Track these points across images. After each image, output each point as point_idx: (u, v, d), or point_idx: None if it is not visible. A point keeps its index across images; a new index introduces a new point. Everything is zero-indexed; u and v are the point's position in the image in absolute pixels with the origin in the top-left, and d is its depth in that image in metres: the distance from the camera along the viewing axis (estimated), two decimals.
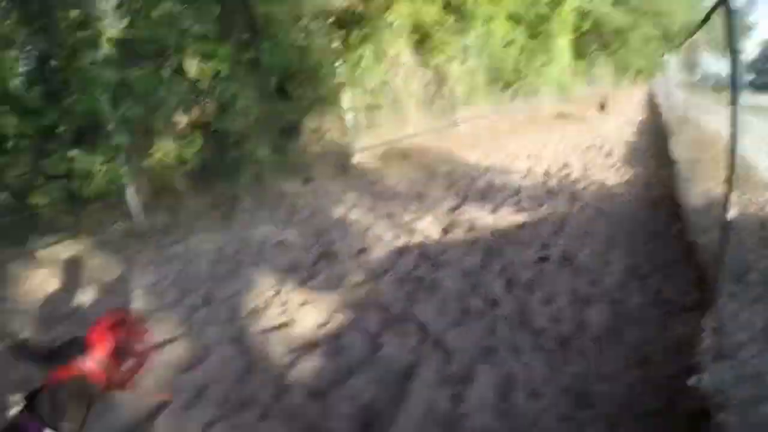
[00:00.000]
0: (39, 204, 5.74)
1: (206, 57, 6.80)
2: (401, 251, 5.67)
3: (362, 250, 5.73)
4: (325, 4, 8.92)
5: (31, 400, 2.20)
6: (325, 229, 6.47)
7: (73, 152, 5.74)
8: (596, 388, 3.25)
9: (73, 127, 5.83)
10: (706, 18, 5.29)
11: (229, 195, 7.11)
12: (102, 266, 5.53)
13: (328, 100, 8.65)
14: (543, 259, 5.39)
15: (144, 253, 5.82)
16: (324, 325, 4.18)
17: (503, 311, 4.29)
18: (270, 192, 7.51)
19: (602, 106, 23.07)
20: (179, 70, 6.83)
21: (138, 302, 4.79)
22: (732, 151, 3.44)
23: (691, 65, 8.15)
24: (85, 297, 4.90)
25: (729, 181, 3.48)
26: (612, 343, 3.81)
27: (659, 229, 6.44)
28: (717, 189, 4.46)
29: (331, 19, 8.96)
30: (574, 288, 4.71)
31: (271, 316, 4.33)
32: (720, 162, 4.18)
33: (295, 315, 4.32)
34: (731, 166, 3.44)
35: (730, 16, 3.40)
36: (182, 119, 6.98)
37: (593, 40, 33.15)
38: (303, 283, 4.96)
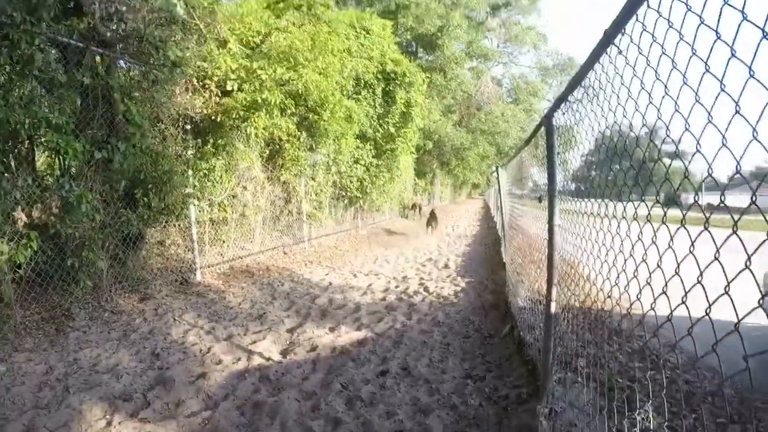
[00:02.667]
0: None
1: (57, 151, 6.44)
2: (241, 374, 5.59)
3: (201, 375, 5.52)
4: (186, 109, 9.10)
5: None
6: (161, 351, 6.16)
7: None
8: None
9: None
10: (531, 136, 6.13)
11: (63, 308, 6.70)
12: None
13: (175, 211, 8.56)
14: (383, 374, 5.78)
15: None
16: None
17: (346, 430, 4.45)
18: (106, 307, 7.22)
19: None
20: (26, 161, 6.56)
21: None
22: (550, 251, 4.14)
23: (518, 179, 9.07)
24: None
25: (549, 279, 4.14)
26: None
27: (492, 331, 7.31)
28: (540, 288, 5.15)
29: (188, 126, 9.09)
30: (415, 398, 5.13)
31: None
32: (542, 263, 4.87)
33: None
34: (550, 265, 4.13)
35: (549, 134, 4.11)
36: (21, 216, 6.32)
37: (434, 158, 35.22)
38: (136, 412, 4.64)
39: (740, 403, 4.10)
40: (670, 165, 2.13)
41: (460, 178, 46.42)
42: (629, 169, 2.56)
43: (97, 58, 7.09)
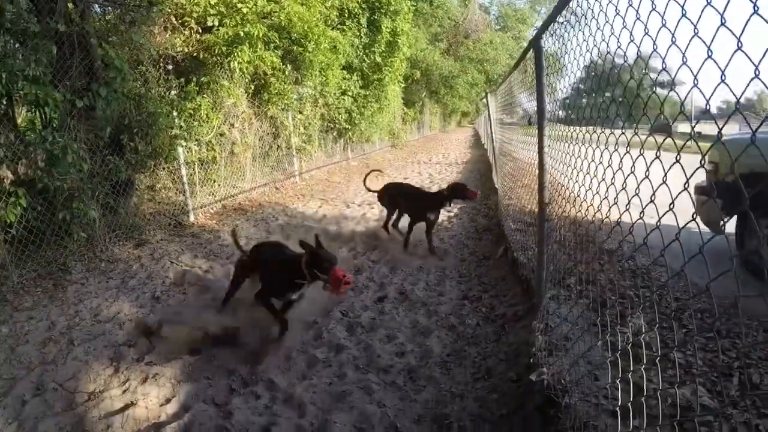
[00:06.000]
0: None
1: (37, 103, 6.10)
2: (244, 310, 5.46)
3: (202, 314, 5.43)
4: (167, 49, 8.90)
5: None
6: (161, 294, 6.12)
7: None
8: (449, 408, 3.62)
9: None
10: (520, 59, 6.09)
11: (59, 263, 6.50)
12: None
13: (163, 154, 8.38)
14: (381, 299, 5.85)
15: None
16: (170, 399, 3.96)
17: (349, 355, 4.52)
18: (102, 257, 7.02)
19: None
20: (6, 117, 6.26)
21: None
22: (540, 171, 4.13)
23: (508, 104, 8.98)
24: None
25: (540, 200, 4.15)
26: (456, 365, 4.30)
27: (486, 253, 7.37)
28: (532, 210, 5.18)
29: (170, 66, 8.88)
30: (414, 321, 5.22)
31: (113, 398, 3.97)
32: (532, 186, 4.91)
33: (138, 393, 4.02)
34: (540, 185, 4.13)
35: (538, 55, 4.04)
36: (6, 174, 6.18)
37: (423, 87, 34.87)
38: (143, 356, 4.63)
39: (727, 319, 4.14)
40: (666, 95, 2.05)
41: (449, 106, 46.13)
42: (615, 98, 2.52)
43: (70, 5, 6.86)
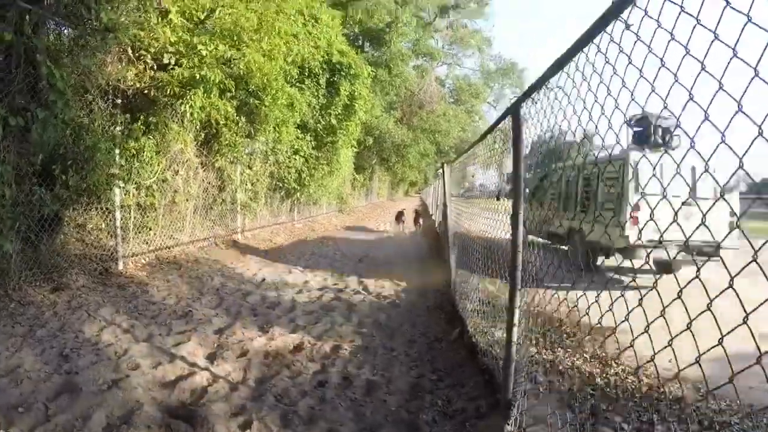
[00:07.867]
0: None
1: None
2: (160, 384, 4.82)
3: (114, 382, 4.69)
4: (118, 81, 8.49)
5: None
6: (71, 352, 5.31)
7: None
8: None
9: None
10: (492, 127, 5.71)
11: None
12: None
13: (98, 192, 7.91)
14: (322, 384, 5.18)
15: None
16: None
17: None
18: (13, 297, 6.34)
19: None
20: None
21: None
22: (514, 254, 3.70)
23: (470, 176, 8.77)
24: None
25: (512, 285, 3.72)
26: None
27: (439, 334, 6.82)
28: (499, 290, 4.74)
29: (118, 100, 8.42)
30: (359, 413, 4.56)
31: None
32: (497, 263, 4.67)
33: None
34: (513, 269, 3.69)
35: (516, 126, 3.71)
36: None
37: (374, 153, 35.42)
38: (35, 427, 3.89)
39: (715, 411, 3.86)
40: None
41: (398, 175, 46.88)
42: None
43: (27, 17, 6.50)
